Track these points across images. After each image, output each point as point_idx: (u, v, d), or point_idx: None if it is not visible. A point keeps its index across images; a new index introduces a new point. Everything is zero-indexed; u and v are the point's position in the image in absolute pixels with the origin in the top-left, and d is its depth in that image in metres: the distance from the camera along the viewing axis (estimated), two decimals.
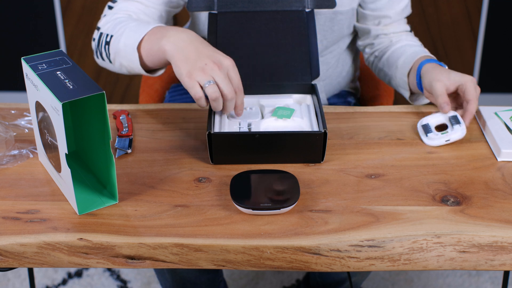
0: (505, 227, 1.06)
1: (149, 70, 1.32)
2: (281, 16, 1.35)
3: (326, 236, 1.04)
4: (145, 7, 1.40)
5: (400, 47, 1.47)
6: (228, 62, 1.17)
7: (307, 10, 1.35)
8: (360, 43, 1.56)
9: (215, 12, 1.34)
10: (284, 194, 1.10)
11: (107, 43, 1.33)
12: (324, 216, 1.08)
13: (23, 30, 2.72)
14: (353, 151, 1.24)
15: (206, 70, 1.15)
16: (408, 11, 1.51)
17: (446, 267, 1.06)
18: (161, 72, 1.33)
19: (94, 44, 1.39)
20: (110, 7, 1.41)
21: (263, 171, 1.15)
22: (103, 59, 1.37)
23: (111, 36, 1.33)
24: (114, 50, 1.32)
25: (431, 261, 1.05)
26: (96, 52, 1.39)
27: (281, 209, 1.07)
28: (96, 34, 1.39)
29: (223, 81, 1.15)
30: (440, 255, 1.05)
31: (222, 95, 1.16)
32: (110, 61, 1.35)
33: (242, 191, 1.10)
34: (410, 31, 1.53)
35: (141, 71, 1.30)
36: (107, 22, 1.37)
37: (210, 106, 1.23)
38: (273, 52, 1.33)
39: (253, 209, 1.07)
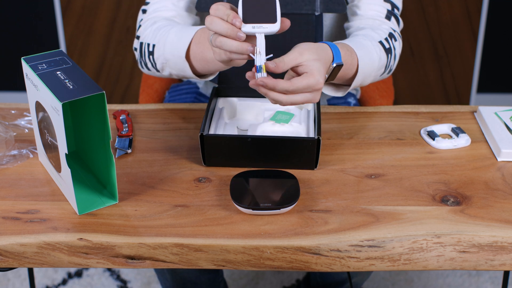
0: (505, 227, 1.06)
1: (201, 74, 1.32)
2: (289, 19, 1.34)
3: (326, 236, 1.04)
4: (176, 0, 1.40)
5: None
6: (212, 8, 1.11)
7: (316, 13, 1.34)
8: (344, 25, 1.49)
9: None
10: (284, 194, 1.10)
11: (151, 53, 1.33)
12: (324, 216, 1.08)
13: (23, 30, 2.72)
14: (353, 151, 1.24)
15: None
16: None
17: (446, 267, 1.06)
18: (213, 76, 1.32)
19: (137, 55, 1.38)
20: (144, 11, 1.40)
21: (263, 171, 1.15)
22: (148, 69, 1.36)
23: (153, 45, 1.32)
24: (161, 59, 1.31)
25: (431, 261, 1.05)
26: (140, 62, 1.38)
27: (281, 209, 1.07)
28: (136, 44, 1.37)
29: (209, 22, 1.09)
30: (440, 255, 1.05)
31: (218, 32, 1.10)
32: (158, 70, 1.34)
33: (242, 191, 1.10)
34: (388, 16, 1.38)
35: (194, 77, 1.30)
36: (145, 29, 1.36)
37: (206, 109, 1.24)
38: (278, 55, 1.33)
39: (253, 209, 1.07)
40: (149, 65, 1.35)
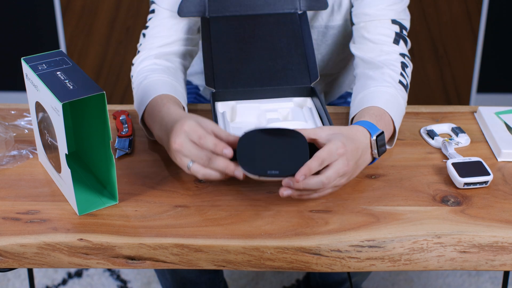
0: (505, 227, 1.05)
1: None
2: (274, 19, 1.34)
3: (326, 237, 1.04)
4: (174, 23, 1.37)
5: (364, 85, 1.30)
6: (184, 128, 1.08)
7: (299, 12, 1.34)
8: (350, 45, 1.44)
9: (207, 17, 1.34)
10: (292, 159, 1.06)
11: (135, 93, 1.32)
12: (325, 216, 1.08)
13: (23, 30, 2.72)
14: None
15: (175, 155, 1.10)
16: (396, 14, 1.35)
17: (447, 268, 1.06)
18: None
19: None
20: (144, 35, 1.38)
21: (271, 130, 1.10)
22: None
23: (134, 87, 1.32)
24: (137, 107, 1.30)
25: (432, 262, 1.05)
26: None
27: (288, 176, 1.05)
28: (131, 72, 1.36)
29: (189, 153, 1.08)
30: (440, 255, 1.04)
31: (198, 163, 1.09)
32: None
33: (249, 154, 1.06)
34: (396, 40, 1.34)
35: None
36: (137, 64, 1.34)
37: (213, 114, 1.23)
38: (270, 56, 1.32)
39: (259, 176, 1.05)
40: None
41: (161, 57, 1.34)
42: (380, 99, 1.24)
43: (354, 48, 1.39)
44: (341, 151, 1.07)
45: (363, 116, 1.20)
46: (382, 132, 1.16)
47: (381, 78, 1.29)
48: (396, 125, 1.23)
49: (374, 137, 1.15)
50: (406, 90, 1.31)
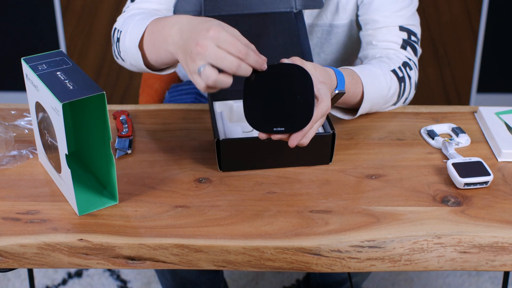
0: (505, 228, 1.05)
1: (157, 68, 1.25)
2: (269, 18, 1.34)
3: (326, 237, 1.04)
4: None
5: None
6: (210, 34, 1.00)
7: (295, 11, 1.35)
8: (359, 54, 1.47)
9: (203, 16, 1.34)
10: (297, 112, 1.06)
11: (118, 39, 1.27)
12: (325, 216, 1.08)
13: (23, 30, 2.72)
14: (353, 152, 1.24)
15: (193, 57, 1.02)
16: (404, 19, 1.36)
17: (447, 268, 1.06)
18: (170, 70, 1.25)
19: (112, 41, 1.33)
20: (132, 0, 1.37)
21: (278, 69, 1.08)
22: (116, 57, 1.31)
23: (120, 31, 1.27)
24: (123, 48, 1.25)
25: (432, 262, 1.05)
26: (113, 50, 1.32)
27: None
28: (112, 29, 1.33)
29: (215, 57, 1.00)
30: (440, 256, 1.04)
31: (224, 70, 1.00)
32: (123, 59, 1.28)
33: (256, 106, 1.05)
34: (404, 46, 1.36)
35: (146, 70, 1.24)
36: (122, 16, 1.32)
37: (212, 114, 1.23)
38: (266, 55, 1.32)
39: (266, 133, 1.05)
40: (117, 52, 1.30)
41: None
42: (360, 69, 1.27)
43: (361, 56, 1.42)
44: (328, 111, 1.10)
45: (342, 69, 1.22)
46: (342, 94, 1.18)
47: (372, 63, 1.32)
48: (365, 96, 1.25)
49: (336, 91, 1.17)
50: (399, 82, 1.31)
